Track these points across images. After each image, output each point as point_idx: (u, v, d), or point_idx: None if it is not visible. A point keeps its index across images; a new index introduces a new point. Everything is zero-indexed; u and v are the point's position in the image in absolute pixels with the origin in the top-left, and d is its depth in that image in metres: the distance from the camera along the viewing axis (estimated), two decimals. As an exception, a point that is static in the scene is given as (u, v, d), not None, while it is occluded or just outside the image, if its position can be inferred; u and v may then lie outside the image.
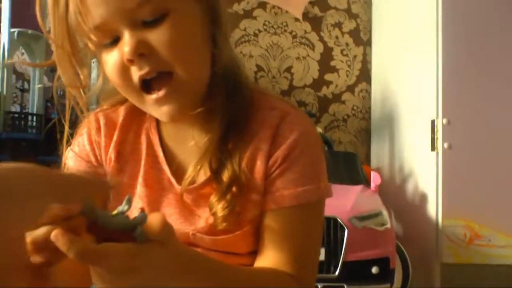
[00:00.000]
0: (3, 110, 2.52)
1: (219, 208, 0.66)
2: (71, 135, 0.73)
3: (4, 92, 2.55)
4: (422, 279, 2.18)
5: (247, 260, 0.70)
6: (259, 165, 0.68)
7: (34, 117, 2.58)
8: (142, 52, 0.59)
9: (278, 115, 0.69)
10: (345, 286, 1.80)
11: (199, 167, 0.68)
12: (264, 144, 0.68)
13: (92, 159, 0.74)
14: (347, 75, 2.94)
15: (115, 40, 0.61)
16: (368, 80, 2.93)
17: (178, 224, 0.69)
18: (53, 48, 0.64)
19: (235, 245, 0.69)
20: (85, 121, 0.74)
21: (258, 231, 0.69)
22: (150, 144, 0.73)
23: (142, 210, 0.46)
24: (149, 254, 0.46)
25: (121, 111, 0.75)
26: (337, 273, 1.80)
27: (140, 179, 0.72)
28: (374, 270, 1.82)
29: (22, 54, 2.77)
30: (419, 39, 2.31)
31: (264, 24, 2.91)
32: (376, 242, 1.86)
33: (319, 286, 1.80)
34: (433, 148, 2.15)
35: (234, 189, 0.66)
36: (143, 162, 0.73)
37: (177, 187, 0.70)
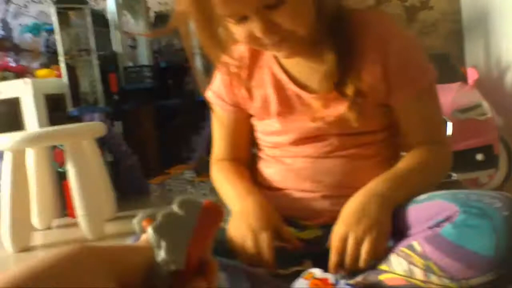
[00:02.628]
0: (122, 66, 2.88)
1: (351, 116, 0.79)
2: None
3: (121, 51, 2.90)
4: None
5: (381, 136, 0.85)
6: (378, 72, 0.79)
7: (146, 69, 2.91)
8: (270, 32, 0.72)
9: (381, 29, 0.80)
10: (453, 175, 1.95)
11: (321, 86, 0.80)
12: (376, 55, 0.79)
13: (226, 98, 0.90)
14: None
15: (243, 18, 0.72)
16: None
17: (307, 124, 0.83)
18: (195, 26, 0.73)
19: (364, 127, 0.83)
20: (218, 68, 0.86)
21: (385, 115, 0.84)
22: (272, 73, 0.86)
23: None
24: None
25: (244, 51, 0.87)
26: (444, 163, 1.94)
27: (271, 98, 0.86)
28: (479, 157, 1.92)
29: (125, 15, 3.06)
30: None
31: None
32: (479, 131, 1.95)
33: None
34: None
35: (359, 100, 0.78)
36: (268, 85, 0.86)
37: (304, 94, 0.83)
